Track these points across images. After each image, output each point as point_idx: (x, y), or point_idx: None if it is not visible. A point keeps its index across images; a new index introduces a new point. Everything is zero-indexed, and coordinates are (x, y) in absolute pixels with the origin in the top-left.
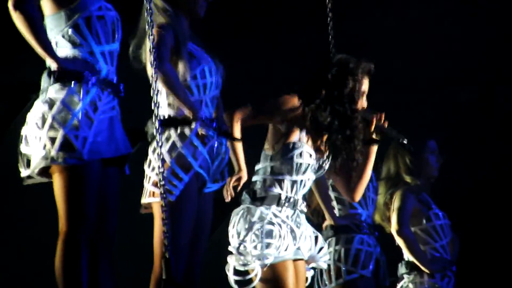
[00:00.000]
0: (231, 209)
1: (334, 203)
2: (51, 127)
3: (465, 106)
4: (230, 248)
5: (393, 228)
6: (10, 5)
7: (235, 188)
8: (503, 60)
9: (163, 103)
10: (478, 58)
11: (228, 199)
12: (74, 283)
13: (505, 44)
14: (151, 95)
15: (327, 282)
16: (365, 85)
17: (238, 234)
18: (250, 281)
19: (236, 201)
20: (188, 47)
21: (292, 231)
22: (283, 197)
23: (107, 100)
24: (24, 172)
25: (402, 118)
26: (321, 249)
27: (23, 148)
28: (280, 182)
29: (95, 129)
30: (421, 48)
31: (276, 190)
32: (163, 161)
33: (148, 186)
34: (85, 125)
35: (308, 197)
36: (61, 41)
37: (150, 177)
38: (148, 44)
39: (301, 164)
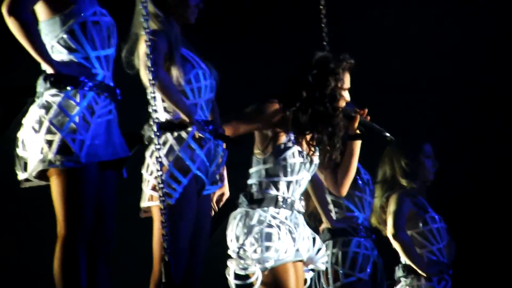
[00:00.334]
0: (229, 211)
1: (331, 206)
2: (48, 130)
3: (463, 108)
4: (229, 252)
5: (389, 231)
6: (4, 10)
7: (218, 202)
8: (503, 60)
9: (159, 107)
10: (478, 59)
11: (211, 213)
12: (73, 286)
13: (505, 44)
14: (148, 99)
15: (324, 286)
16: (346, 81)
17: (237, 238)
18: (251, 285)
19: (233, 203)
20: (181, 52)
21: (291, 232)
22: (280, 199)
23: (104, 104)
24: (21, 175)
25: (398, 120)
26: (319, 250)
27: (20, 151)
28: (276, 184)
29: (92, 132)
30: (420, 48)
31: (273, 192)
32: (161, 164)
33: (147, 190)
34: (82, 128)
35: (305, 201)
36: (56, 46)
37: (148, 181)
38: (140, 50)
39: (294, 163)
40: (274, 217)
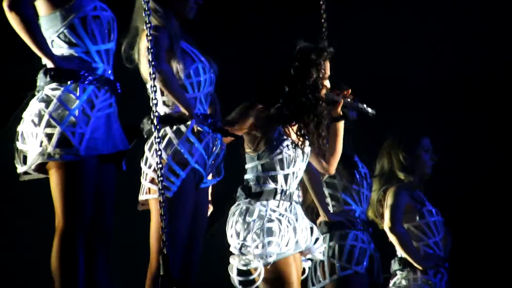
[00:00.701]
0: (226, 205)
1: (328, 199)
2: (48, 124)
3: (460, 101)
4: (231, 249)
5: (386, 225)
6: (4, 5)
7: None
8: (501, 58)
9: (158, 101)
10: (476, 55)
11: (209, 206)
12: (71, 279)
13: (502, 43)
14: (149, 93)
15: (321, 279)
16: (327, 70)
17: (238, 234)
18: (253, 281)
19: (231, 197)
20: (181, 46)
21: (291, 223)
22: (278, 191)
23: (104, 98)
24: (20, 168)
25: (396, 113)
26: (316, 240)
27: (19, 144)
28: (274, 178)
29: (92, 125)
30: (420, 43)
31: (271, 185)
32: (160, 157)
33: (145, 183)
34: (82, 122)
35: (302, 194)
36: (57, 41)
37: (147, 174)
38: (141, 44)
39: (289, 156)
40: (274, 211)
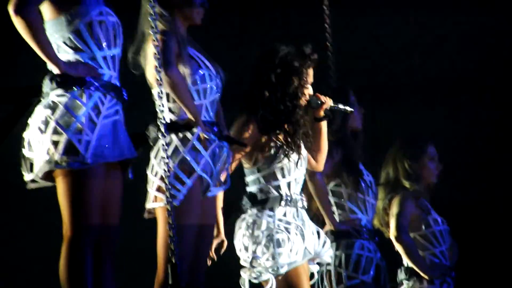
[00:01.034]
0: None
1: (334, 208)
2: (55, 131)
3: (466, 109)
4: (241, 262)
5: (392, 234)
6: (10, 10)
7: (216, 251)
8: (503, 64)
9: (165, 108)
10: (480, 60)
11: (209, 262)
12: (78, 287)
13: (504, 48)
14: (155, 99)
15: None
16: (310, 77)
17: (246, 248)
18: None
19: (235, 205)
20: (188, 52)
21: (299, 230)
22: (284, 197)
23: (110, 104)
24: (27, 176)
25: (402, 121)
26: (324, 243)
27: (26, 152)
28: (277, 187)
29: (98, 133)
30: (425, 49)
31: (276, 193)
32: (168, 165)
33: (151, 191)
34: (89, 129)
35: (307, 202)
36: (62, 46)
37: (153, 182)
38: (147, 50)
39: (288, 162)
40: (281, 220)
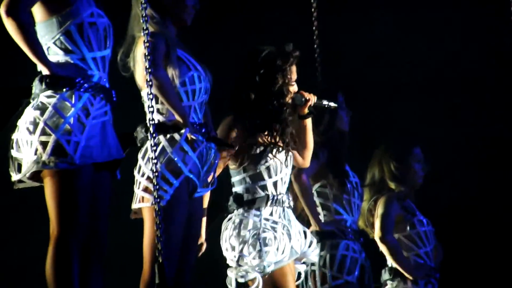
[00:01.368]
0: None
1: (319, 209)
2: (43, 132)
3: (452, 111)
4: (228, 262)
5: (377, 234)
6: (1, 11)
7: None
8: (494, 67)
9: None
10: (469, 64)
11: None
12: (65, 287)
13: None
14: (143, 100)
15: None
16: (294, 74)
17: (233, 247)
18: None
19: (220, 206)
20: (177, 54)
21: (286, 230)
22: (270, 197)
23: (100, 106)
24: (15, 177)
25: (388, 123)
26: (310, 243)
27: (14, 152)
28: (263, 187)
29: (87, 133)
30: (412, 52)
31: (262, 193)
32: (156, 165)
33: (138, 192)
34: (77, 130)
35: (293, 202)
36: (53, 48)
37: (140, 182)
38: (136, 52)
39: (275, 162)
40: (267, 220)
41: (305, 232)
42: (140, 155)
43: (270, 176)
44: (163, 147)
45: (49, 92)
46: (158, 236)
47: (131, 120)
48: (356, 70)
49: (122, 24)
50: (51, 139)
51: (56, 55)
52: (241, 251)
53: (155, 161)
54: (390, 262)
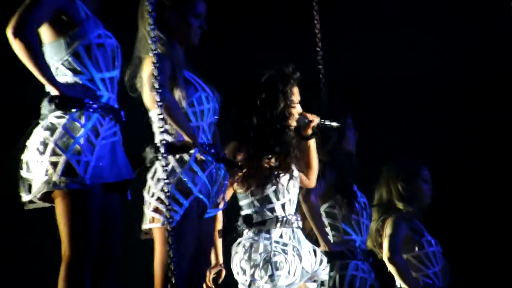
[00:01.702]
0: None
1: (328, 229)
2: (53, 152)
3: (460, 130)
4: (240, 286)
5: (385, 255)
6: (9, 32)
7: (215, 280)
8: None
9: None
10: (474, 77)
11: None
12: None
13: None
14: (151, 121)
15: None
16: (296, 95)
17: (244, 271)
18: None
19: (228, 228)
20: (184, 75)
21: (297, 250)
22: (279, 219)
23: (109, 126)
24: (25, 197)
25: (395, 142)
26: (321, 262)
27: (24, 173)
28: (271, 210)
29: (97, 154)
30: (417, 68)
31: (271, 215)
32: (168, 186)
33: (148, 212)
34: (87, 150)
35: (302, 224)
36: (61, 68)
37: (150, 203)
38: (143, 73)
39: (282, 185)
40: (278, 242)
41: (315, 251)
42: (149, 176)
43: (278, 199)
44: (172, 168)
45: (58, 113)
46: (171, 256)
47: (140, 140)
48: (365, 86)
49: (132, 43)
50: (62, 159)
51: (64, 76)
52: (253, 275)
53: (167, 181)
54: (399, 282)
